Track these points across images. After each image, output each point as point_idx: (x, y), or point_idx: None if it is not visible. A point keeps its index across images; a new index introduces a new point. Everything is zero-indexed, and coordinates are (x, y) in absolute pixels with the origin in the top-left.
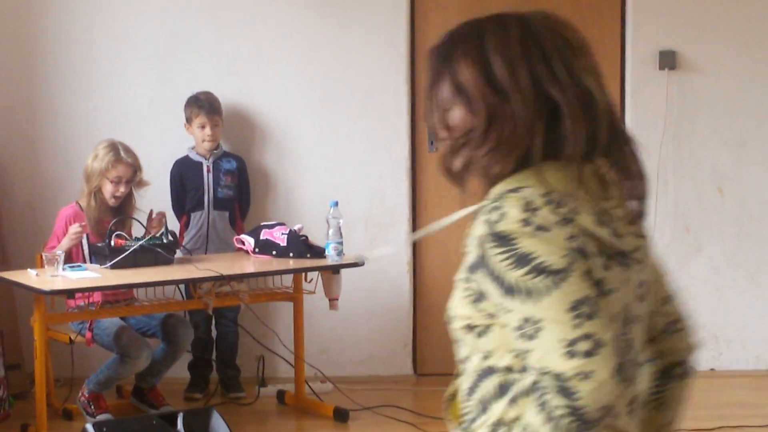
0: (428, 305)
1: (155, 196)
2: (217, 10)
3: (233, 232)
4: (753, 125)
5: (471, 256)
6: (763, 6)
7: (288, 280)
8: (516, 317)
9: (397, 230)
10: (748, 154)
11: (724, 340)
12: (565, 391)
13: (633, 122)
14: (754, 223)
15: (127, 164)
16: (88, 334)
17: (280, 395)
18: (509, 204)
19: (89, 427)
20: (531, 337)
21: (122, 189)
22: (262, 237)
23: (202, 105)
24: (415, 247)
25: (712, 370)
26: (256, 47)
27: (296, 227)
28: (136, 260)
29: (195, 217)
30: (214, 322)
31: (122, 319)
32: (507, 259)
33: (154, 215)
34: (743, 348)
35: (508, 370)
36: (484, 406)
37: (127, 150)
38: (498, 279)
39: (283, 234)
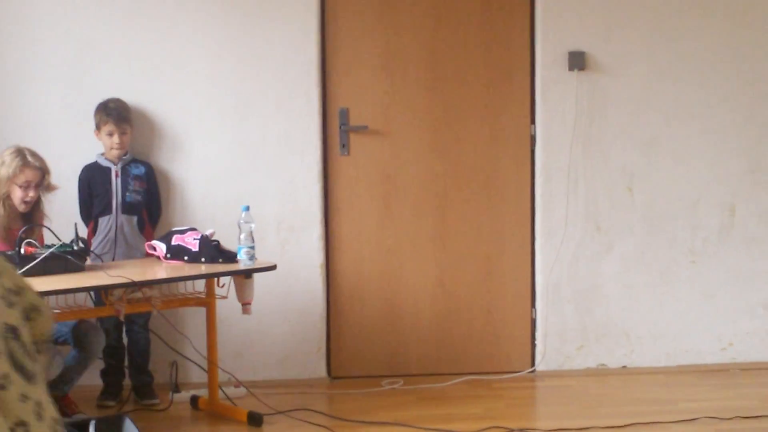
0: (342, 308)
1: (66, 202)
2: (127, 16)
3: (142, 237)
4: (662, 124)
5: None
6: (670, 6)
7: (200, 285)
8: None
9: (309, 234)
10: (657, 153)
11: (635, 338)
12: None
13: (543, 123)
14: (663, 222)
15: (34, 168)
16: None
17: (194, 401)
18: None
19: None
20: None
21: (32, 194)
22: (173, 242)
23: (111, 113)
24: (328, 249)
25: (624, 367)
26: (167, 53)
27: (208, 232)
28: (47, 268)
29: (103, 221)
30: (125, 328)
31: None
32: None
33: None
34: (654, 345)
35: None
36: None
37: (34, 154)
38: None
39: (194, 239)
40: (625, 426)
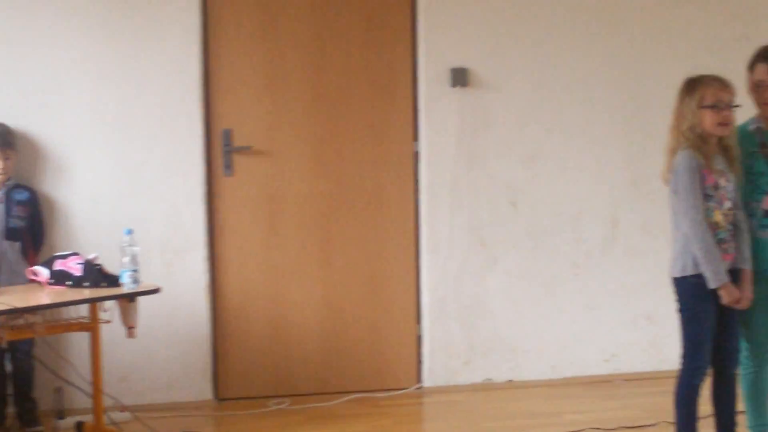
0: (228, 329)
1: None
2: (7, 40)
3: (25, 262)
4: (544, 140)
5: None
6: (549, 24)
7: (84, 309)
8: None
9: (194, 256)
10: (539, 168)
11: (521, 351)
12: None
13: (426, 140)
14: (547, 236)
15: None
16: None
17: (79, 426)
18: None
19: None
20: None
21: None
22: (56, 268)
23: None
24: (214, 271)
25: (510, 381)
26: (49, 77)
27: (91, 257)
28: None
29: None
30: (8, 355)
31: None
32: None
33: None
34: (540, 358)
35: None
36: None
37: None
38: None
39: (78, 264)
40: None
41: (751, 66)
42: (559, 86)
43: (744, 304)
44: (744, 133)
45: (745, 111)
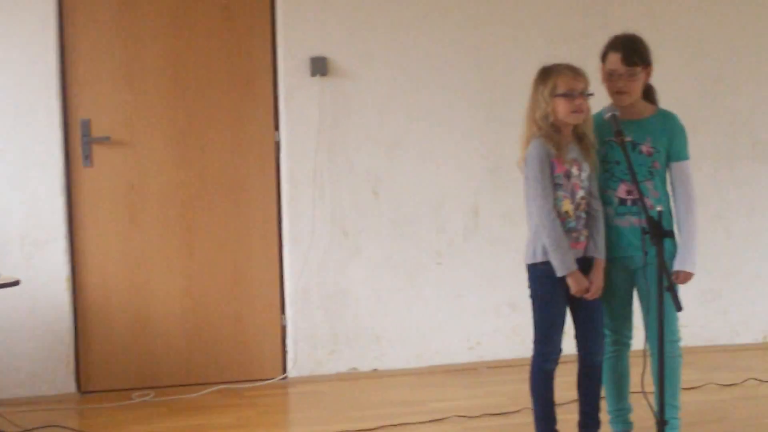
0: (90, 321)
1: None
2: None
3: None
4: (405, 128)
5: None
6: (409, 11)
7: None
8: None
9: (54, 248)
10: (401, 157)
11: (385, 341)
12: None
13: (287, 129)
14: (409, 225)
15: None
16: None
17: None
18: None
19: None
20: None
21: None
22: None
23: None
24: (74, 263)
25: (375, 370)
26: None
27: None
28: None
29: None
30: None
31: None
32: None
33: None
34: (404, 347)
35: None
36: None
37: None
38: None
39: None
40: (375, 429)
41: (604, 56)
42: (420, 75)
43: (593, 294)
44: (599, 122)
45: (600, 100)
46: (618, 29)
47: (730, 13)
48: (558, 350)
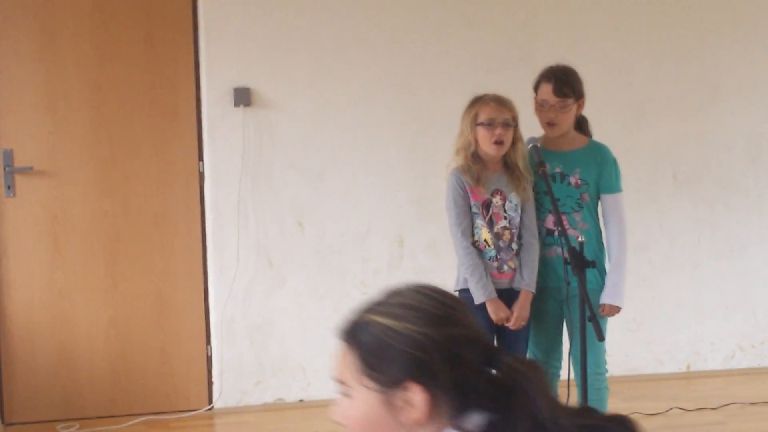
0: (14, 353)
1: None
2: None
3: None
4: (329, 159)
5: None
6: (332, 42)
7: None
8: None
9: None
10: (325, 187)
11: (311, 371)
12: None
13: (211, 160)
14: (334, 255)
15: None
16: None
17: None
18: None
19: None
20: None
21: None
22: None
23: None
24: None
25: (301, 401)
26: None
27: None
28: None
29: None
30: None
31: None
32: None
33: None
34: (330, 377)
35: None
36: None
37: None
38: None
39: None
40: None
41: (536, 85)
42: (344, 105)
43: (515, 324)
44: (528, 152)
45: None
46: (544, 60)
47: (653, 46)
48: None
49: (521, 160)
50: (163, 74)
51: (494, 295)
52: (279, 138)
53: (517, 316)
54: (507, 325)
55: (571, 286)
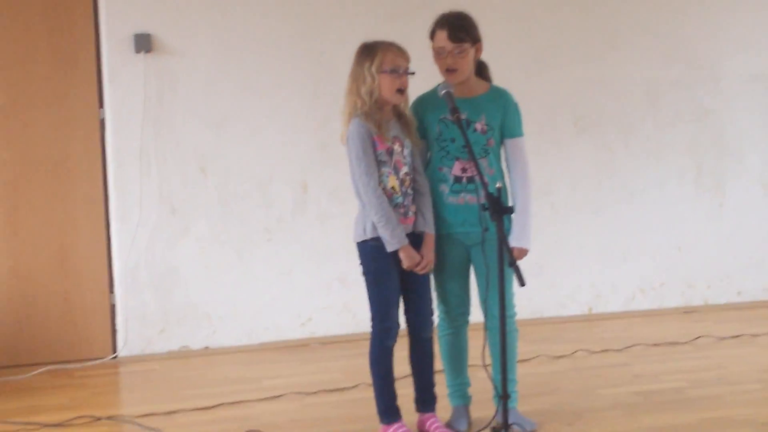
0: None
1: None
2: None
3: None
4: (231, 105)
5: None
6: None
7: None
8: None
9: None
10: (228, 134)
11: (216, 318)
12: None
13: (112, 107)
14: (237, 202)
15: None
16: None
17: None
18: None
19: None
20: None
21: None
22: None
23: None
24: None
25: (206, 348)
26: None
27: None
28: None
29: None
30: None
31: None
32: None
33: None
34: (235, 324)
35: None
36: None
37: None
38: None
39: None
40: (212, 407)
41: (432, 34)
42: (246, 51)
43: (425, 268)
44: (434, 99)
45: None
46: (443, 7)
47: None
48: (397, 325)
49: (407, 108)
50: (62, 22)
51: (407, 242)
52: (181, 84)
53: (428, 260)
54: (415, 270)
55: (489, 232)
